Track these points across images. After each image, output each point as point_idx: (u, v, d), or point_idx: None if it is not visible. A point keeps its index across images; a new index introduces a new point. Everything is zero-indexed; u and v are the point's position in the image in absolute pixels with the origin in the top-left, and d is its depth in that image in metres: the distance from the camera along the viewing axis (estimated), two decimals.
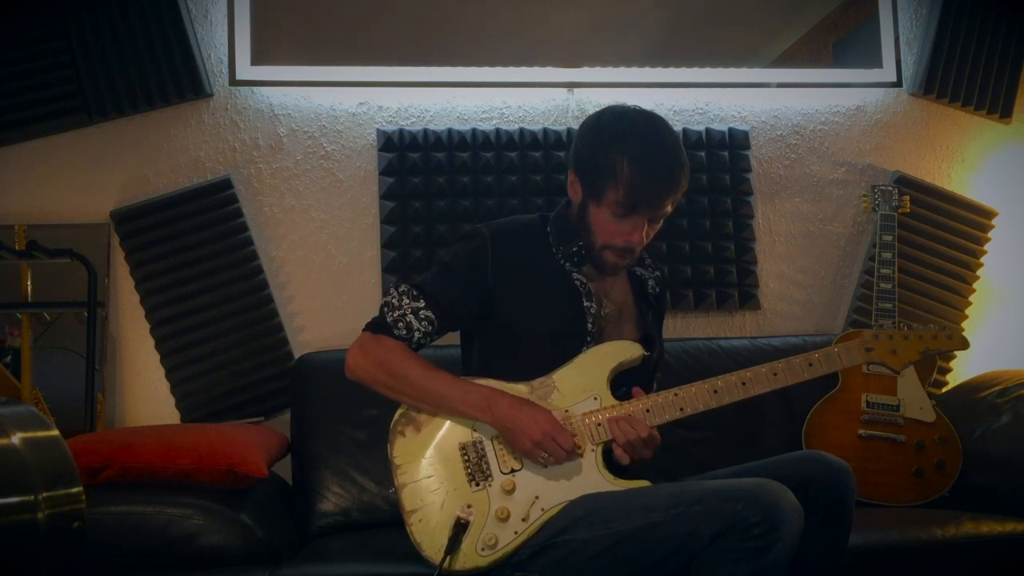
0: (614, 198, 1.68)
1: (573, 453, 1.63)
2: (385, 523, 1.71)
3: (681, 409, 1.68)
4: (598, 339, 1.78)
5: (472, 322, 1.81)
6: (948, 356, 2.80)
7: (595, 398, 1.70)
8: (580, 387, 1.70)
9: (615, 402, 1.69)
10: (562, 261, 1.80)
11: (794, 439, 2.36)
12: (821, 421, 2.35)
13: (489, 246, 1.76)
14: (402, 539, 1.64)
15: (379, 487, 2.20)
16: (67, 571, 1.14)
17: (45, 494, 1.12)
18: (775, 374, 1.70)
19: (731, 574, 1.43)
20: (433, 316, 1.73)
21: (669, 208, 1.74)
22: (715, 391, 1.69)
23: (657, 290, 1.92)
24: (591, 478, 1.63)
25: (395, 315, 1.73)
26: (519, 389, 1.71)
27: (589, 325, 1.77)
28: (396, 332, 1.72)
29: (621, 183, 1.67)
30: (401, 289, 1.75)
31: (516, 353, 1.76)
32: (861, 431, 2.33)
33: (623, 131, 1.71)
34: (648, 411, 1.68)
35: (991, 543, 1.95)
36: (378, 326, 1.74)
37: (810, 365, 1.71)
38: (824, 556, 1.59)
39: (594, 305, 1.78)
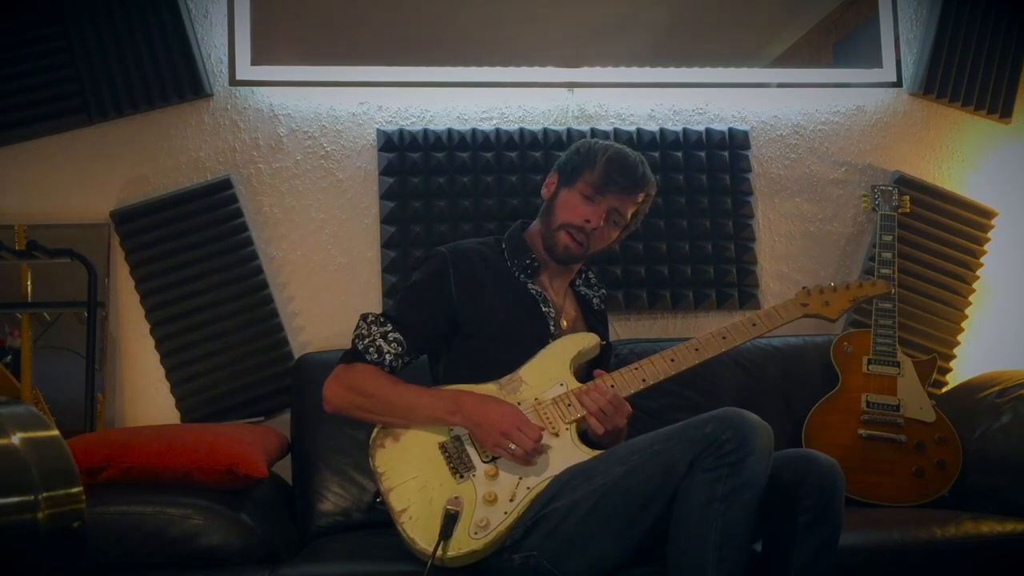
0: (588, 179, 1.88)
1: (539, 446, 1.67)
2: (385, 523, 1.71)
3: (643, 380, 1.78)
4: None
5: (440, 340, 1.89)
6: (947, 356, 2.80)
7: (561, 384, 1.79)
8: (546, 377, 1.80)
9: (580, 384, 1.78)
10: (516, 273, 1.92)
11: (794, 439, 2.36)
12: (821, 421, 2.35)
13: (450, 263, 1.88)
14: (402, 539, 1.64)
15: (376, 480, 2.20)
16: (67, 571, 1.14)
17: (45, 494, 1.12)
18: (724, 337, 1.85)
19: (711, 496, 1.47)
20: (401, 337, 1.81)
21: (629, 212, 1.93)
22: (672, 359, 1.81)
23: (602, 307, 2.06)
24: (570, 453, 1.70)
25: (365, 343, 1.81)
26: (488, 388, 1.79)
27: (551, 327, 1.87)
28: (368, 357, 1.80)
29: (598, 165, 1.88)
30: (370, 319, 1.84)
31: (483, 361, 1.84)
32: (861, 431, 2.33)
33: (605, 142, 1.97)
34: (612, 386, 1.77)
35: (991, 543, 1.95)
36: (351, 355, 1.82)
37: (753, 325, 1.87)
38: (817, 555, 1.60)
39: (552, 310, 1.90)
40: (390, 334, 1.81)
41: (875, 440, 2.32)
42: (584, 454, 1.69)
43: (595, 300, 2.05)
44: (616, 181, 1.87)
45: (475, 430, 1.70)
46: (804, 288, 1.96)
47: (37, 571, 1.10)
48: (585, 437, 1.74)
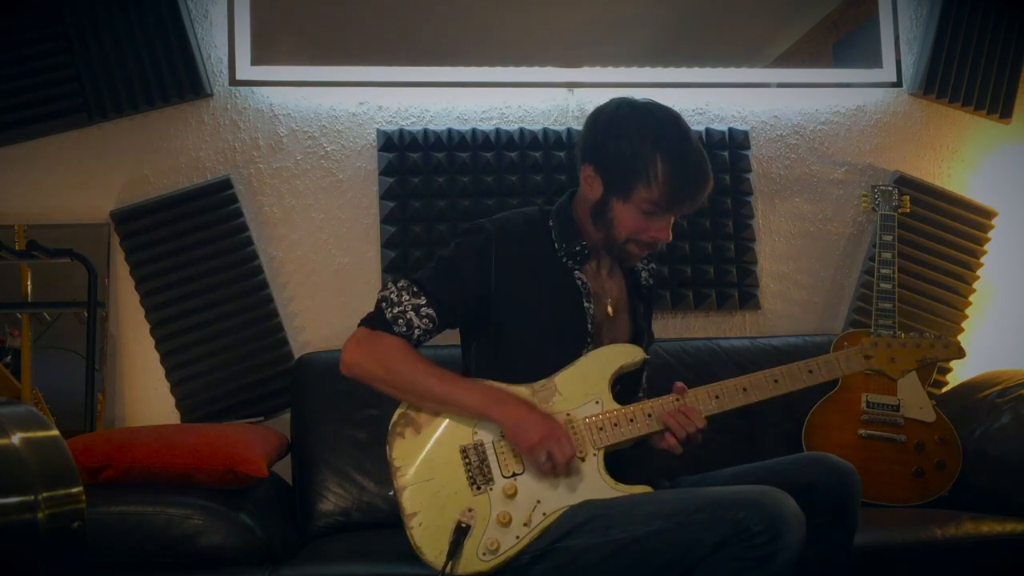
0: (647, 196, 1.66)
1: (570, 463, 1.60)
2: (385, 523, 1.71)
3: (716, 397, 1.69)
4: (596, 338, 1.76)
5: (472, 321, 1.76)
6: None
7: (597, 402, 1.68)
8: (582, 390, 1.68)
9: (617, 406, 1.68)
10: (564, 259, 1.76)
11: (794, 439, 2.35)
12: (821, 421, 2.35)
13: (494, 243, 1.72)
14: (402, 539, 1.63)
15: (379, 487, 2.20)
16: (67, 571, 1.14)
17: (45, 494, 1.12)
18: (776, 381, 1.71)
19: None
20: (435, 314, 1.68)
21: None
22: (745, 389, 1.70)
23: (651, 281, 1.90)
24: (593, 483, 1.62)
25: (395, 311, 1.67)
26: (520, 391, 1.68)
27: (589, 326, 1.75)
28: (396, 329, 1.67)
29: (656, 183, 1.65)
30: (400, 284, 1.69)
31: (516, 353, 1.73)
32: (861, 431, 2.33)
33: (652, 128, 1.68)
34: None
35: (991, 543, 1.95)
36: (377, 321, 1.68)
37: (810, 372, 1.74)
38: (828, 560, 1.58)
39: (592, 306, 1.76)
40: (423, 308, 1.67)
41: (875, 440, 2.32)
42: (608, 488, 1.61)
43: (643, 274, 1.88)
44: (683, 199, 1.67)
45: (511, 430, 1.61)
46: (871, 337, 1.80)
47: (37, 571, 1.10)
48: (610, 460, 1.66)
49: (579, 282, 1.76)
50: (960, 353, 1.80)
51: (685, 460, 1.72)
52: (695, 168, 1.67)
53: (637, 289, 1.87)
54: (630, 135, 1.67)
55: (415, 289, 1.69)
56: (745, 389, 1.70)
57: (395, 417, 1.68)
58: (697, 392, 1.69)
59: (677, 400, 1.67)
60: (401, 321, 1.67)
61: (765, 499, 1.43)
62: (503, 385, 1.69)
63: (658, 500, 1.56)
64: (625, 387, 1.76)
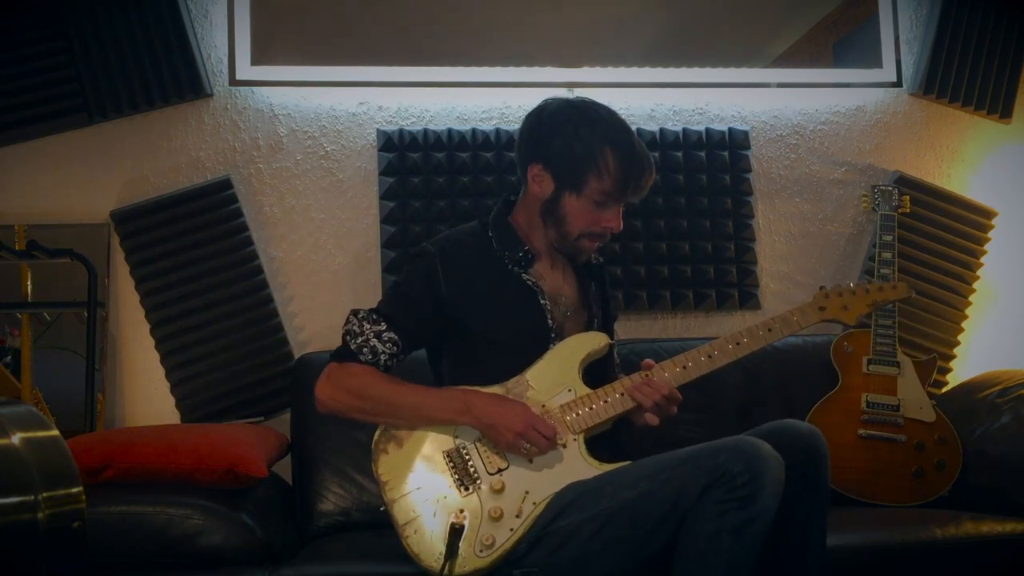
0: (599, 187, 1.74)
1: (554, 442, 1.65)
2: (385, 524, 1.71)
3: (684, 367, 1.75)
4: (560, 334, 1.81)
5: (436, 338, 1.83)
6: (947, 356, 2.80)
7: (569, 390, 1.73)
8: (553, 381, 1.74)
9: (589, 391, 1.73)
10: (509, 265, 1.82)
11: None
12: (821, 421, 2.35)
13: (438, 262, 1.79)
14: None
15: (379, 488, 2.20)
16: (67, 571, 1.14)
17: (45, 494, 1.12)
18: (738, 343, 1.79)
19: (719, 527, 1.46)
20: (396, 337, 1.74)
21: None
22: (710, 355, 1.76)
23: (600, 259, 1.98)
24: (578, 466, 1.66)
25: (358, 341, 1.73)
26: (494, 390, 1.73)
27: (550, 321, 1.80)
28: (362, 357, 1.73)
29: (608, 173, 1.73)
30: (361, 315, 1.76)
31: (485, 359, 1.78)
32: (861, 431, 2.33)
33: (597, 122, 1.76)
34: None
35: (991, 543, 1.95)
36: (343, 355, 1.75)
37: (769, 330, 1.80)
38: (806, 526, 1.60)
39: (550, 303, 1.82)
40: (384, 333, 1.73)
41: (875, 440, 2.32)
42: (592, 468, 1.65)
43: (592, 257, 1.93)
44: (633, 187, 1.76)
45: (487, 431, 1.66)
46: (822, 289, 1.86)
47: (37, 571, 1.10)
48: (592, 443, 1.70)
49: (530, 282, 1.82)
50: (908, 292, 1.88)
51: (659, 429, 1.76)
52: (641, 156, 1.76)
53: (590, 274, 1.93)
54: (577, 130, 1.75)
55: (375, 317, 1.76)
56: (710, 356, 1.77)
57: (376, 435, 1.73)
58: (664, 365, 1.75)
59: (645, 375, 1.74)
60: (366, 349, 1.73)
61: (742, 443, 1.50)
62: (475, 388, 1.73)
63: (642, 464, 1.61)
64: (597, 375, 1.80)
